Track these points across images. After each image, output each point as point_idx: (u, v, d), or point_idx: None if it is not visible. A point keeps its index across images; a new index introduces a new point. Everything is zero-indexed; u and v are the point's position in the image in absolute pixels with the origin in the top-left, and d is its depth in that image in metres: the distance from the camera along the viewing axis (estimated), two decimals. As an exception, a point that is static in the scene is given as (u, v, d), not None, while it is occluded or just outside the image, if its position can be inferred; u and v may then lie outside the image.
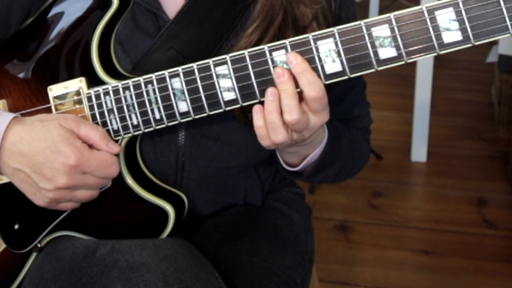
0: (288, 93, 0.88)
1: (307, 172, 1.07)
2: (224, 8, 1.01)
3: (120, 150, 0.95)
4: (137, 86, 0.94)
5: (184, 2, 1.01)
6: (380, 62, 0.86)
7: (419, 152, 2.68)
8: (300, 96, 0.89)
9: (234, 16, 1.01)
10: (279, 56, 0.88)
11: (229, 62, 0.90)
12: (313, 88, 0.87)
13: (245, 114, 1.01)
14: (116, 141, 0.97)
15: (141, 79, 0.94)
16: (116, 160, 0.94)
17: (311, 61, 0.88)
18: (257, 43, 0.96)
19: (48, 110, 0.98)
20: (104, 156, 0.93)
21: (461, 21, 0.83)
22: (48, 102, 0.97)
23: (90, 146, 0.93)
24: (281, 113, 0.89)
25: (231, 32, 1.01)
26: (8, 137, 0.92)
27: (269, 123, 0.89)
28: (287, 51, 0.88)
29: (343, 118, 1.14)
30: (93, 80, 0.96)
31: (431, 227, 2.29)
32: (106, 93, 0.95)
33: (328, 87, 0.89)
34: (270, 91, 0.89)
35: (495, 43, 3.17)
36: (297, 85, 0.88)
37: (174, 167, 1.06)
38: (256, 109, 0.90)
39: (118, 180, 0.97)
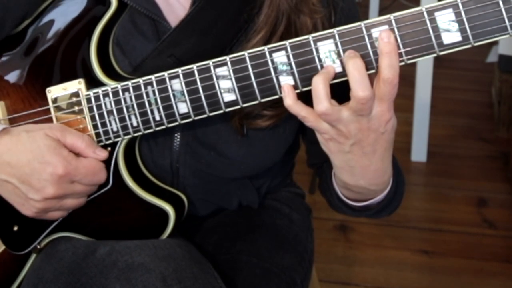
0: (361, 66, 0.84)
1: (364, 212, 1.05)
2: (229, 19, 1.00)
3: (106, 155, 0.95)
4: (136, 88, 0.94)
5: (188, 11, 1.00)
6: (380, 63, 0.86)
7: (419, 152, 2.67)
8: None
9: (238, 26, 1.00)
10: (279, 57, 0.88)
11: (229, 63, 0.90)
12: (392, 72, 0.84)
13: (243, 127, 1.01)
14: (116, 142, 0.97)
15: (140, 80, 0.94)
16: (103, 166, 0.95)
17: (311, 62, 0.87)
18: None
19: (47, 112, 0.98)
20: (92, 163, 0.93)
21: (460, 22, 0.83)
22: (47, 103, 0.97)
23: (77, 155, 0.93)
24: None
25: (234, 43, 1.01)
26: None
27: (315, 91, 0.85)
28: (287, 52, 0.88)
29: None
30: (92, 82, 0.96)
31: (431, 227, 2.29)
32: (106, 95, 0.95)
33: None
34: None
35: (495, 43, 3.17)
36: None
37: (169, 171, 1.06)
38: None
39: (118, 181, 0.97)
